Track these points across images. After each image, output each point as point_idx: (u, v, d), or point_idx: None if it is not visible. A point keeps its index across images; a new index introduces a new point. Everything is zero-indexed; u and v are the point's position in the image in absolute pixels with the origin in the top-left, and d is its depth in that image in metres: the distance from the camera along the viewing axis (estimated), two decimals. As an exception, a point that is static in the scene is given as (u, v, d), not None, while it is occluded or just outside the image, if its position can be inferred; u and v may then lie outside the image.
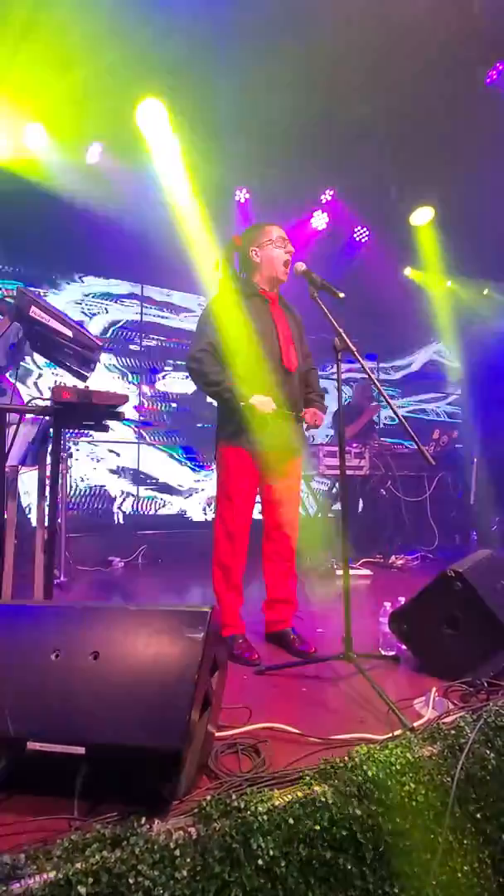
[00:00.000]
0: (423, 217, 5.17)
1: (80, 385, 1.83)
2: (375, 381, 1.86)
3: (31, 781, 1.16)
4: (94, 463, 5.10)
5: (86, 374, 1.97)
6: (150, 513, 5.38)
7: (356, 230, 5.53)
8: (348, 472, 4.00)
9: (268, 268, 2.21)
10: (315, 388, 2.38)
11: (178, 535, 4.77)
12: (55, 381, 2.40)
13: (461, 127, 3.91)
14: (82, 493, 5.02)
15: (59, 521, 3.37)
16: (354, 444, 4.08)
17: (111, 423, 1.98)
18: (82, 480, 5.01)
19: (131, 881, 0.85)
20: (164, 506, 5.46)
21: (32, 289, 4.01)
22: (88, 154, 4.12)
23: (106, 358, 5.20)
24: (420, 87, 3.61)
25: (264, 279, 2.23)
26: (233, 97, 3.53)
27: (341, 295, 1.93)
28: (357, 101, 3.69)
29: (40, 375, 4.73)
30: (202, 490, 5.65)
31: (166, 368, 5.59)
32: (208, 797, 1.01)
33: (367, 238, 5.55)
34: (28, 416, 2.04)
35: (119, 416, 1.90)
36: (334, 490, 4.58)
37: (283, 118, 3.76)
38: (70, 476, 4.15)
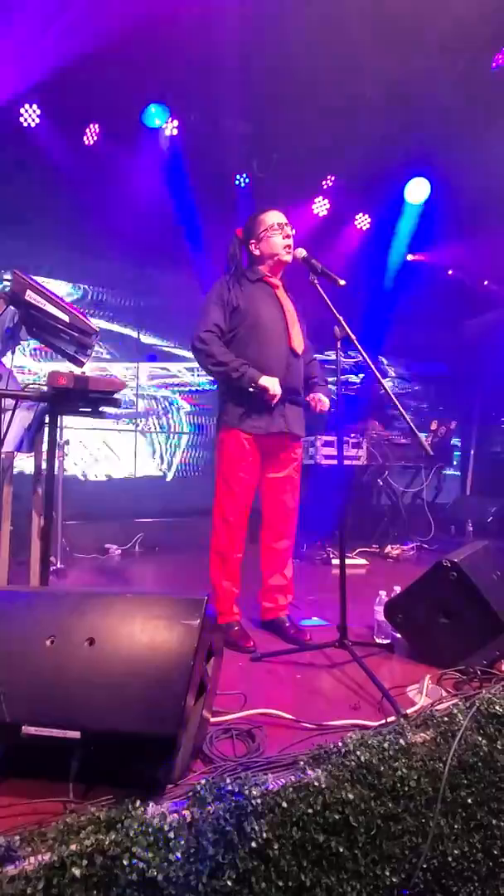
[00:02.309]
0: (418, 193, 5.06)
1: (77, 370, 1.81)
2: (375, 369, 1.85)
3: (27, 765, 1.17)
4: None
5: (82, 359, 1.94)
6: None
7: (357, 217, 5.46)
8: (345, 462, 4.00)
9: (269, 257, 2.21)
10: (319, 375, 2.38)
11: (175, 522, 4.75)
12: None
13: (466, 110, 3.86)
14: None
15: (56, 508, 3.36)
16: (352, 434, 4.07)
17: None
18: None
19: (125, 863, 0.86)
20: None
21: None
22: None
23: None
24: (427, 70, 3.55)
25: (268, 267, 2.24)
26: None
27: (342, 282, 1.91)
28: (361, 82, 3.64)
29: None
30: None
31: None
32: (203, 781, 1.02)
33: (368, 225, 5.49)
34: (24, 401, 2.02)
35: (116, 403, 1.89)
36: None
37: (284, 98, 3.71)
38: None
